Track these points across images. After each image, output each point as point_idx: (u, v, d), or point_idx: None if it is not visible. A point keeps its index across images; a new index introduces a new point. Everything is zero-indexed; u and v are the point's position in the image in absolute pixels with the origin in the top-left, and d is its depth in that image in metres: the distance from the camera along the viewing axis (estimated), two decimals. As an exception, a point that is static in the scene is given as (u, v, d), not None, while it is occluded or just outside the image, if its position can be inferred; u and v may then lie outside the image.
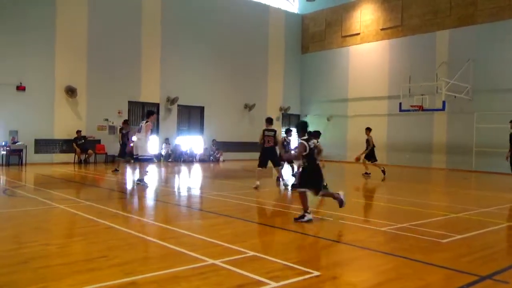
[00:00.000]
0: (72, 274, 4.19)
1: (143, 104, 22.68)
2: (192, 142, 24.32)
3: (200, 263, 4.59)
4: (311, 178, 7.12)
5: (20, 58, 18.48)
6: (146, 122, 11.58)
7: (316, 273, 4.36)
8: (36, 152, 18.84)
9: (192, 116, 24.96)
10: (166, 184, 11.84)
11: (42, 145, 19.06)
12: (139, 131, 11.88)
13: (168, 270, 4.33)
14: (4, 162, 17.80)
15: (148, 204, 9.49)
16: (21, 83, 18.53)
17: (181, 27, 23.57)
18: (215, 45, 24.90)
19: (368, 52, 25.46)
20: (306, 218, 6.92)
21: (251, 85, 26.80)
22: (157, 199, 10.06)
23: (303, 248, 5.68)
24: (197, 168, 19.78)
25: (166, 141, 23.07)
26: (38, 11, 19.04)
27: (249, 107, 26.48)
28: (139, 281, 4.03)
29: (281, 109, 28.55)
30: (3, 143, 17.92)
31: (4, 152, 17.89)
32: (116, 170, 15.62)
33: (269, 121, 12.01)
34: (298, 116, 29.37)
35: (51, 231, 6.50)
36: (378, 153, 16.46)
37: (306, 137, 7.23)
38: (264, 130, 11.82)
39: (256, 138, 12.94)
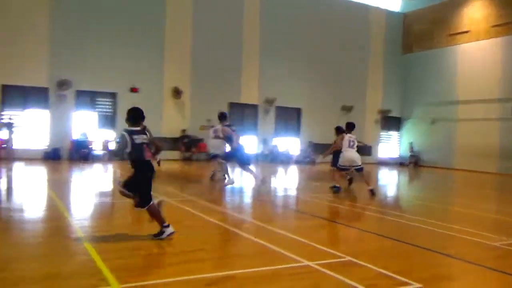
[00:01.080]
0: (174, 263, 4.49)
1: (243, 106, 23.42)
2: (289, 144, 24.53)
3: (294, 263, 4.63)
4: None
5: (134, 63, 20.21)
6: (226, 125, 11.85)
7: (417, 285, 4.14)
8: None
9: (289, 118, 25.17)
10: (263, 184, 12.10)
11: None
12: (215, 132, 12.51)
13: (264, 268, 4.43)
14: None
15: (246, 202, 9.79)
16: (134, 85, 20.26)
17: (279, 31, 23.93)
18: (312, 47, 24.87)
19: (478, 51, 23.49)
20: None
21: (349, 87, 26.27)
22: (254, 198, 10.33)
23: (401, 256, 5.43)
24: (293, 169, 19.90)
25: (264, 142, 23.56)
26: (149, 21, 20.68)
27: (347, 109, 25.97)
28: (236, 275, 4.19)
29: (380, 111, 27.56)
30: (117, 141, 19.74)
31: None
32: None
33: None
34: (398, 119, 28.11)
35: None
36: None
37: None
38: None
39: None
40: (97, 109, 20.25)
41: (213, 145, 12.91)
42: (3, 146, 16.68)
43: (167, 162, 15.31)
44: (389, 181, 17.56)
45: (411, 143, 27.27)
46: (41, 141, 18.97)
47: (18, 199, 9.05)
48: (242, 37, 23.18)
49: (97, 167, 16.74)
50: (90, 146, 19.45)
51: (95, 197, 9.59)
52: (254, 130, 23.86)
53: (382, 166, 24.99)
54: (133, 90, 20.27)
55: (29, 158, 17.56)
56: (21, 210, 7.60)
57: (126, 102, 20.11)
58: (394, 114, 27.87)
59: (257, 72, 23.61)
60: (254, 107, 23.75)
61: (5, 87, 18.13)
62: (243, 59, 23.17)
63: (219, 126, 12.11)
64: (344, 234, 6.61)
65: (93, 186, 11.52)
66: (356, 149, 10.97)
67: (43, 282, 3.78)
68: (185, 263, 4.49)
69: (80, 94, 19.56)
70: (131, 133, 5.45)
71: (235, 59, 22.94)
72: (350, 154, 10.83)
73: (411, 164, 26.38)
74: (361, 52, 26.78)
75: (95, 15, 19.52)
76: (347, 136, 10.94)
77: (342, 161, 10.89)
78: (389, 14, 27.84)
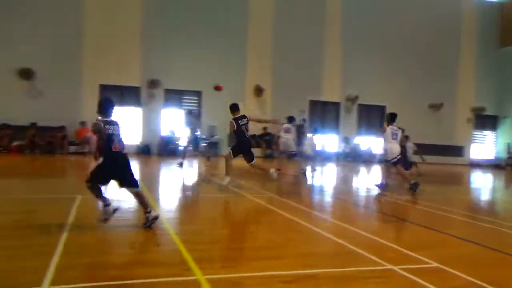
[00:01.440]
0: (257, 258, 4.56)
1: (324, 103, 23.16)
2: (371, 143, 23.80)
3: (377, 267, 4.48)
4: None
5: (218, 62, 20.88)
6: (295, 124, 12.92)
7: (513, 297, 3.81)
8: (229, 145, 21.00)
9: (372, 116, 24.42)
10: (344, 183, 11.89)
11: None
12: (287, 131, 13.82)
13: (345, 269, 4.35)
14: (204, 154, 20.38)
15: (327, 201, 9.68)
16: (218, 83, 20.93)
17: (362, 27, 23.29)
18: (396, 42, 23.90)
19: None
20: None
21: (437, 84, 24.83)
22: (335, 197, 10.18)
23: (494, 265, 5.02)
24: (376, 169, 19.27)
25: (345, 140, 23.09)
26: (232, 20, 21.21)
27: (435, 107, 24.56)
28: (317, 274, 4.16)
29: (473, 109, 25.69)
30: (204, 137, 20.54)
31: (205, 145, 20.49)
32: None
33: None
34: (494, 117, 26.00)
35: (239, 217, 7.22)
36: None
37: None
38: None
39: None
40: (183, 107, 21.23)
41: (287, 143, 13.94)
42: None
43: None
44: (482, 184, 16.32)
45: (508, 144, 25.09)
46: (135, 137, 20.35)
47: (116, 190, 9.79)
48: (324, 33, 22.91)
49: (184, 162, 17.53)
50: (177, 142, 20.47)
51: (182, 191, 10.07)
52: (335, 128, 23.48)
53: (475, 168, 23.28)
54: (217, 88, 20.95)
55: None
56: (117, 201, 8.20)
57: (210, 100, 20.90)
58: (489, 112, 25.83)
59: (338, 69, 23.21)
60: (335, 104, 23.37)
61: (104, 87, 19.70)
62: (324, 56, 22.91)
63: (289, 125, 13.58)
64: (429, 238, 6.27)
65: (180, 180, 12.11)
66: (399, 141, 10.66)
67: (132, 268, 4.05)
68: (266, 259, 4.55)
69: (168, 92, 20.65)
70: (105, 123, 5.48)
71: (316, 56, 22.75)
72: (395, 146, 10.47)
73: (509, 166, 24.27)
74: (450, 46, 25.22)
75: (181, 17, 20.46)
76: (389, 128, 10.58)
77: (390, 154, 10.47)
78: (482, 4, 25.87)
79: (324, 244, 5.55)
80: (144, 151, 19.76)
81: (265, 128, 21.31)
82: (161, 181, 12.20)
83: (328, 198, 10.09)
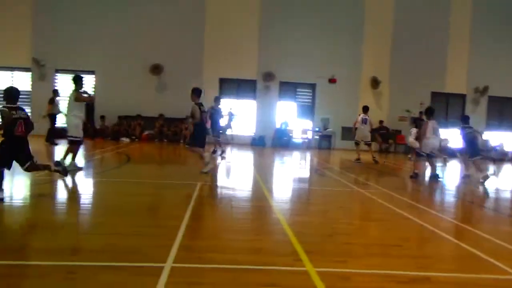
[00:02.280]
0: (368, 255, 4.46)
1: (447, 95, 21.51)
2: (504, 139, 21.45)
3: (504, 275, 4.08)
4: None
5: (332, 54, 20.59)
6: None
7: None
8: (342, 138, 20.71)
9: (505, 109, 22.01)
10: (467, 181, 10.94)
11: (348, 132, 20.74)
12: (364, 122, 14.36)
13: (465, 274, 4.04)
14: (317, 146, 20.39)
15: (447, 200, 9.04)
16: (333, 76, 20.67)
17: (494, 10, 20.97)
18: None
19: None
20: None
21: None
22: (457, 196, 9.44)
23: None
24: (508, 167, 17.37)
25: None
26: (348, 12, 20.69)
27: None
28: (433, 278, 3.93)
29: None
30: (317, 129, 20.51)
31: (317, 137, 20.48)
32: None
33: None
34: None
35: (352, 212, 7.11)
36: None
37: None
38: None
39: None
40: (297, 100, 21.40)
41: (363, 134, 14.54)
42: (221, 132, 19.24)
43: (363, 153, 15.20)
44: None
45: None
46: (249, 129, 21.10)
47: (231, 180, 10.32)
48: (449, 19, 21.16)
49: (296, 154, 17.75)
50: (290, 135, 20.75)
51: (294, 183, 10.21)
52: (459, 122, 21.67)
53: None
54: (331, 80, 20.71)
55: (240, 143, 19.78)
56: (234, 190, 8.65)
57: (324, 93, 20.76)
58: None
59: (466, 58, 21.31)
60: (460, 96, 21.53)
61: (222, 80, 20.76)
62: (449, 44, 21.20)
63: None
64: None
65: (292, 172, 12.29)
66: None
67: (246, 254, 4.25)
68: (380, 256, 4.43)
69: (283, 85, 21.00)
70: (9, 108, 5.92)
71: (440, 44, 21.15)
72: (433, 142, 10.68)
73: None
74: None
75: (297, 10, 20.55)
76: (430, 123, 10.73)
77: (426, 148, 10.72)
78: None
79: (442, 246, 5.20)
80: (258, 142, 20.40)
81: (381, 121, 20.49)
82: (275, 172, 12.50)
83: (449, 197, 9.40)
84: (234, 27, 20.37)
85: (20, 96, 6.51)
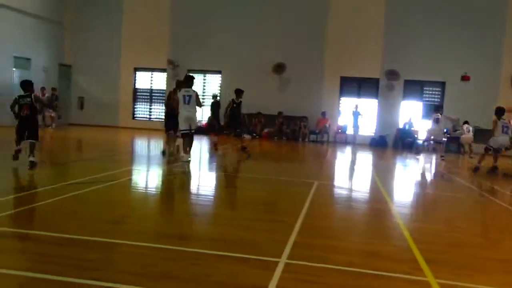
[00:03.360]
0: (500, 270, 4.04)
1: None
2: None
3: None
4: None
5: (466, 49, 18.86)
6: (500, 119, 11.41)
7: None
8: (474, 141, 18.84)
9: None
10: None
11: (482, 135, 18.81)
12: (436, 121, 14.20)
13: None
14: (444, 149, 18.89)
15: None
16: (466, 73, 18.96)
17: None
18: None
19: None
20: None
21: None
22: None
23: None
24: None
25: None
26: (488, 4, 18.75)
27: None
28: None
29: None
30: (445, 131, 19.01)
31: (445, 139, 18.98)
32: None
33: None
34: None
35: (484, 221, 6.49)
36: None
37: None
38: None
39: None
40: (424, 99, 20.11)
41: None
42: (340, 131, 19.06)
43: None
44: None
45: None
46: (370, 128, 20.44)
47: (349, 180, 10.15)
48: None
49: (421, 157, 16.69)
50: (415, 136, 19.58)
51: (416, 187, 9.64)
52: None
53: None
54: (464, 78, 19.03)
55: (359, 143, 19.28)
56: (351, 190, 8.50)
57: (455, 92, 19.15)
58: None
59: None
60: None
61: (343, 78, 20.44)
62: None
63: None
64: None
65: (415, 176, 11.61)
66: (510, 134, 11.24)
67: (362, 257, 4.15)
68: (509, 273, 3.98)
69: (408, 83, 19.90)
70: (19, 97, 7.92)
71: None
72: (503, 138, 11.27)
73: None
74: None
75: (424, 4, 19.29)
76: (500, 122, 11.22)
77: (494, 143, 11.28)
78: None
79: None
80: (379, 143, 19.65)
81: None
82: (396, 174, 11.94)
83: None
84: (357, 23, 19.85)
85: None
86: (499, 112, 11.37)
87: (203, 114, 20.30)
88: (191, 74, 10.44)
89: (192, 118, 9.69)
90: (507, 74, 18.73)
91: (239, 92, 12.23)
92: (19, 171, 7.57)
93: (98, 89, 21.94)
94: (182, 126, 9.69)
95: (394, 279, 3.63)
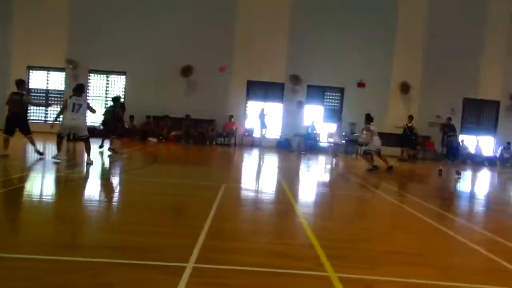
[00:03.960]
0: (393, 262, 4.37)
1: (480, 102, 20.93)
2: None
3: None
4: None
5: (362, 57, 20.33)
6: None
7: None
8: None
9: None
10: (500, 191, 10.60)
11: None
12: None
13: (495, 287, 3.90)
14: (343, 151, 20.14)
15: (476, 209, 8.77)
16: (362, 79, 20.42)
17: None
18: None
19: None
20: None
21: None
22: (488, 206, 9.15)
23: None
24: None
25: (508, 146, 20.47)
26: (380, 13, 20.41)
27: None
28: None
29: None
30: (343, 134, 20.27)
31: (343, 142, 20.23)
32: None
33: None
34: None
35: (376, 217, 6.98)
36: None
37: None
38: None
39: None
40: (324, 103, 21.24)
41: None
42: (247, 134, 19.35)
43: (391, 159, 14.91)
44: None
45: None
46: (275, 132, 21.07)
47: (256, 182, 10.33)
48: (486, 18, 20.53)
49: (322, 158, 17.60)
50: (316, 138, 20.59)
51: (318, 187, 10.13)
52: (492, 130, 21.06)
53: None
54: (360, 84, 20.47)
55: (264, 146, 19.76)
56: (257, 192, 8.65)
57: (352, 97, 20.52)
58: None
59: (502, 63, 20.65)
60: (494, 103, 20.89)
61: (249, 82, 20.83)
62: (485, 47, 20.56)
63: None
64: None
65: (317, 176, 12.19)
66: None
67: (267, 257, 4.23)
68: (403, 264, 4.33)
69: (310, 88, 20.88)
70: (12, 94, 10.04)
71: (474, 47, 20.52)
72: (376, 139, 12.87)
73: None
74: None
75: (327, 12, 20.41)
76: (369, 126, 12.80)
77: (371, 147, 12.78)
78: None
79: (470, 257, 5.03)
80: (284, 146, 20.34)
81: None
82: (300, 176, 12.43)
83: (478, 206, 9.12)
84: (264, 27, 20.38)
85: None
86: (368, 118, 13.25)
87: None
88: (81, 83, 11.19)
89: (77, 126, 10.04)
90: (397, 81, 20.53)
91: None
92: None
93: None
94: (65, 131, 10.29)
95: (298, 276, 3.75)
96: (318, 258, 4.22)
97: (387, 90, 20.63)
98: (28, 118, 12.03)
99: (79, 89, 10.11)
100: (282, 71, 20.52)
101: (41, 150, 10.70)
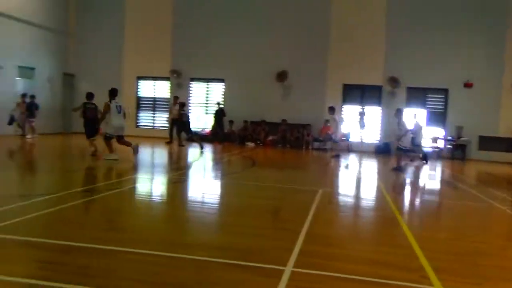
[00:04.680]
0: (509, 279, 3.99)
1: None
2: None
3: None
4: None
5: (468, 56, 18.84)
6: None
7: None
8: (480, 148, 18.79)
9: None
10: None
11: (486, 142, 18.74)
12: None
13: None
14: (449, 156, 18.83)
15: None
16: (468, 80, 18.93)
17: None
18: None
19: None
20: None
21: None
22: None
23: None
24: None
25: None
26: (491, 7, 18.76)
27: None
28: None
29: None
30: (450, 138, 18.97)
31: (450, 146, 18.93)
32: None
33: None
34: None
35: (490, 230, 6.41)
36: None
37: None
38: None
39: None
40: (427, 106, 20.05)
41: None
42: (343, 138, 19.01)
43: (504, 165, 13.60)
44: None
45: None
46: (374, 136, 20.39)
47: (354, 187, 10.10)
48: None
49: (427, 164, 16.60)
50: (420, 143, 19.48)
51: (423, 195, 9.58)
52: None
53: None
54: (467, 85, 18.99)
55: (363, 151, 19.23)
56: (356, 197, 8.45)
57: (458, 98, 19.11)
58: None
59: None
60: None
61: (346, 86, 20.44)
62: None
63: None
64: None
65: (421, 183, 11.54)
66: None
67: (367, 265, 4.11)
68: (521, 282, 3.93)
69: (410, 91, 19.86)
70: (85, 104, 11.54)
71: None
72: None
73: None
74: None
75: (425, 11, 19.31)
76: None
77: None
78: None
79: None
80: (383, 150, 19.58)
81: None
82: (399, 181, 11.88)
83: None
84: (360, 30, 19.88)
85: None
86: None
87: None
88: (115, 87, 11.56)
89: (124, 126, 11.28)
90: (509, 81, 18.69)
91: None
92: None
93: (101, 98, 21.97)
94: (114, 133, 11.04)
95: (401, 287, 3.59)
96: (423, 270, 3.99)
97: (498, 90, 18.85)
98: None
99: (116, 93, 11.07)
100: (380, 74, 19.81)
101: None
